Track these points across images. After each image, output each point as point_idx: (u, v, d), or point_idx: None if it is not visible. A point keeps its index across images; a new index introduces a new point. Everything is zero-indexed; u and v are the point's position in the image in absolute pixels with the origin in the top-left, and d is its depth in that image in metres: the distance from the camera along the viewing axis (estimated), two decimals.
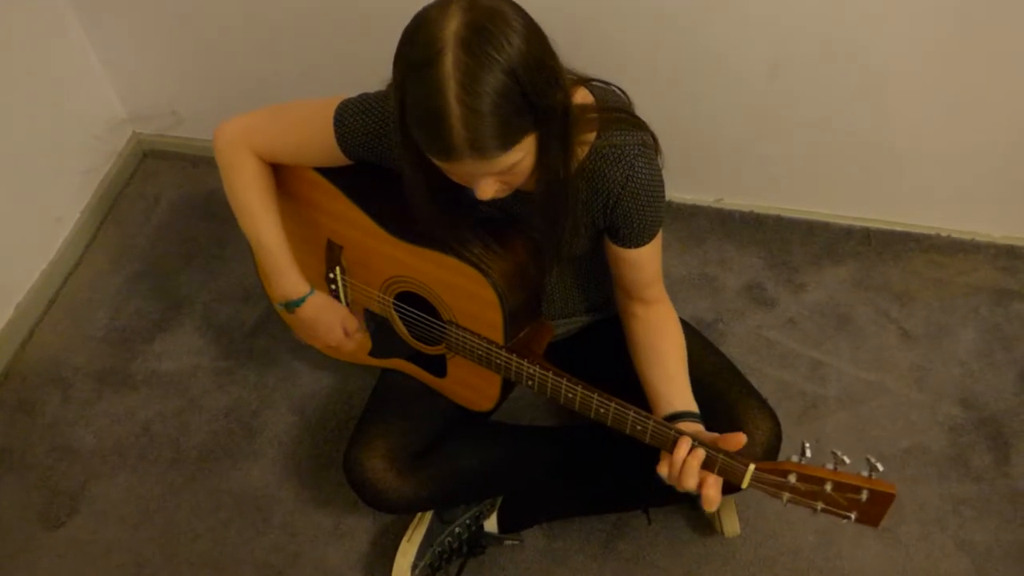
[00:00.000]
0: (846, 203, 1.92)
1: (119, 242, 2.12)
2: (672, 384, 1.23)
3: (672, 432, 1.12)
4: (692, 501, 1.56)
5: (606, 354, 1.37)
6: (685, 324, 1.43)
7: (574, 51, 1.04)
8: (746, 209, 1.98)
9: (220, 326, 1.93)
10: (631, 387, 1.25)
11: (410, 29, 0.94)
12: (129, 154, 2.25)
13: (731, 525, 1.51)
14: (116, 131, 2.22)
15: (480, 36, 0.89)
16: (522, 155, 0.98)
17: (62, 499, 1.70)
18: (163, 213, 2.17)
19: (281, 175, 1.37)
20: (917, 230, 1.91)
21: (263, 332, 1.90)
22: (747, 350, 1.78)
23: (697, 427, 1.16)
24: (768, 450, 1.31)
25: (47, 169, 2.01)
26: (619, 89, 1.19)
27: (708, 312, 1.85)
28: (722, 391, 1.34)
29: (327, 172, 1.33)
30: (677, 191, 2.00)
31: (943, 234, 1.90)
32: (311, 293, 1.36)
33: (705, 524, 1.56)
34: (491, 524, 1.54)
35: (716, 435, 1.12)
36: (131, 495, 1.70)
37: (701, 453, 1.10)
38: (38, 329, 1.96)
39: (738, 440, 1.09)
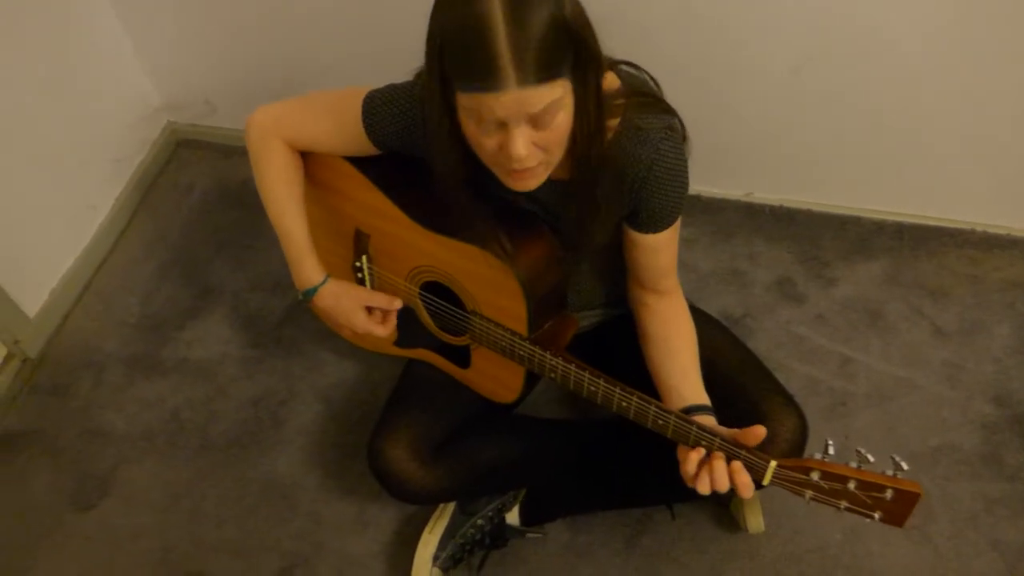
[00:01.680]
0: (878, 197, 1.88)
1: (152, 230, 2.15)
2: (685, 378, 1.22)
3: (694, 429, 1.11)
4: (717, 497, 1.55)
5: (627, 348, 1.36)
6: (710, 319, 1.43)
7: (607, 44, 1.02)
8: (776, 203, 1.96)
9: (249, 315, 1.95)
10: (652, 381, 1.25)
11: None
12: (163, 143, 2.28)
13: (755, 521, 1.50)
14: (150, 120, 2.25)
15: None
16: (560, 94, 0.94)
17: (93, 482, 1.73)
18: (195, 202, 2.19)
19: (311, 164, 1.38)
20: (951, 225, 1.87)
21: (291, 322, 1.91)
22: (775, 346, 1.76)
23: (711, 420, 1.15)
24: (793, 447, 1.30)
25: (82, 157, 2.04)
26: (648, 75, 1.18)
27: (736, 307, 1.83)
28: (747, 387, 1.33)
29: (356, 161, 1.34)
30: (706, 185, 1.98)
31: (978, 229, 1.86)
32: (325, 281, 1.36)
33: (730, 520, 1.55)
34: (513, 517, 1.54)
35: (736, 430, 1.10)
36: (159, 480, 1.72)
37: (722, 456, 1.09)
38: (71, 315, 2.00)
39: (757, 434, 1.07)
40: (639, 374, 1.25)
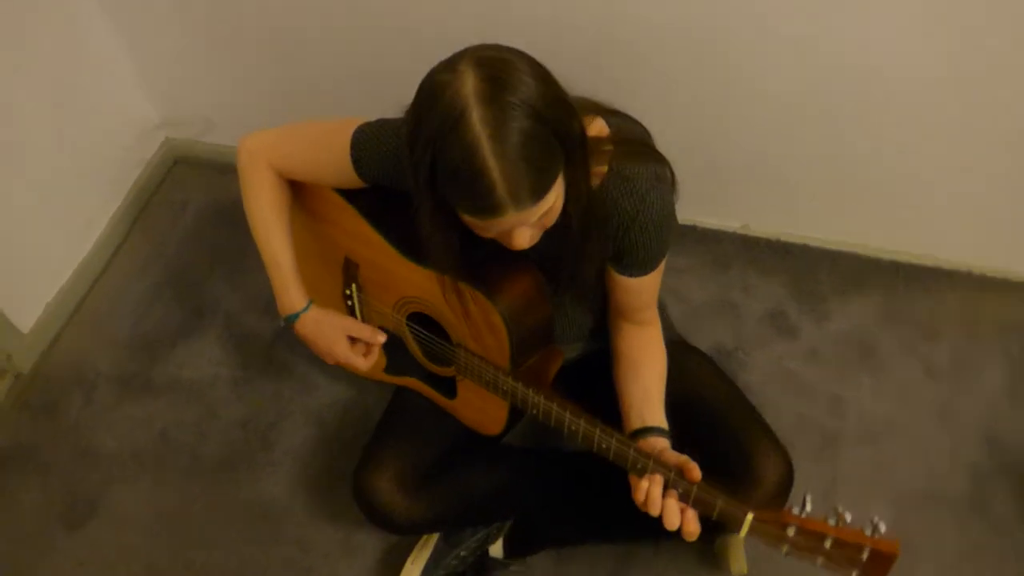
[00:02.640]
0: (875, 234, 1.88)
1: (146, 248, 2.15)
2: (648, 399, 1.22)
3: (672, 475, 1.09)
4: (702, 535, 1.54)
5: (610, 379, 1.36)
6: (700, 354, 1.43)
7: (605, 73, 1.02)
8: (772, 236, 1.95)
9: (241, 336, 1.95)
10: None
11: (424, 97, 0.93)
12: (160, 160, 2.28)
13: (738, 564, 1.49)
14: (148, 137, 2.26)
15: (498, 87, 0.89)
16: (556, 195, 0.98)
17: (82, 502, 1.73)
18: (190, 220, 2.20)
19: (302, 192, 1.39)
20: (948, 266, 1.87)
21: (282, 343, 1.91)
22: (766, 380, 1.76)
23: (664, 444, 1.15)
24: (779, 491, 1.29)
25: (80, 173, 2.05)
26: (637, 121, 1.18)
27: (729, 339, 1.82)
28: (734, 427, 1.32)
29: (345, 192, 1.34)
30: (703, 215, 1.97)
31: (975, 271, 1.85)
32: (307, 308, 1.36)
33: (714, 558, 1.54)
34: (497, 550, 1.54)
35: (683, 459, 1.09)
36: (148, 501, 1.72)
37: (658, 479, 1.08)
38: (65, 331, 2.01)
39: (692, 474, 1.06)
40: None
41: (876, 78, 1.57)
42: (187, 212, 2.21)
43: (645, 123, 1.19)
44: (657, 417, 1.20)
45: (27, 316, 1.93)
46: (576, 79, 1.10)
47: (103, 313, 2.03)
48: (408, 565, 1.52)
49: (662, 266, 1.21)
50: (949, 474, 1.61)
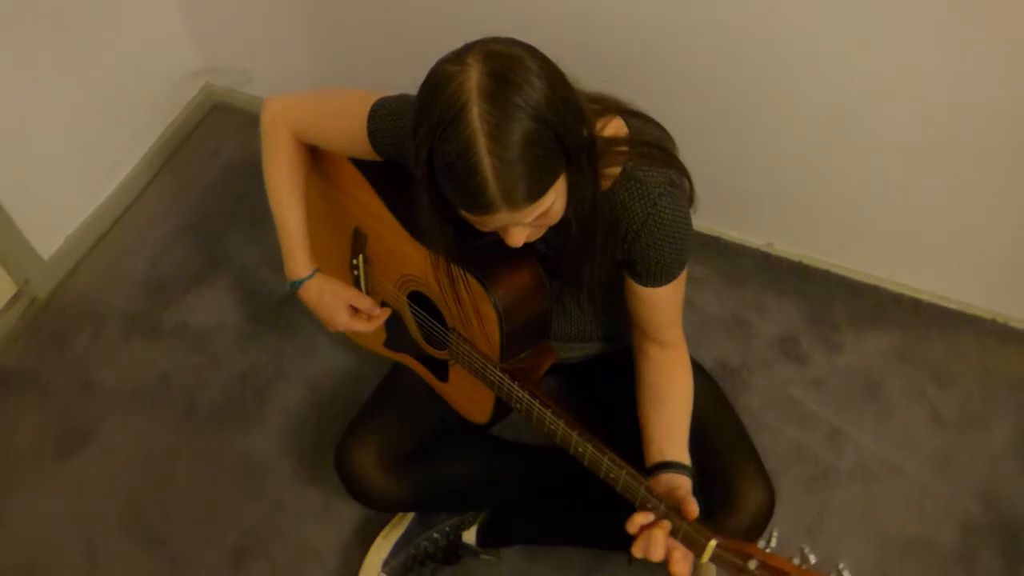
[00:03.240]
0: (900, 269, 1.83)
1: (172, 192, 2.18)
2: (669, 432, 1.19)
3: (642, 489, 1.09)
4: None
5: (614, 386, 1.34)
6: (703, 372, 1.39)
7: (638, 82, 0.99)
8: (795, 258, 1.91)
9: (252, 290, 1.96)
10: (629, 423, 1.22)
11: (429, 87, 0.91)
12: (196, 106, 2.30)
13: None
14: (188, 81, 2.27)
15: (502, 85, 0.87)
16: (554, 198, 0.96)
17: (76, 431, 1.77)
18: (218, 169, 2.21)
19: (321, 160, 1.39)
20: (972, 311, 1.81)
21: (292, 302, 1.92)
22: (767, 404, 1.72)
23: (681, 482, 1.12)
24: (756, 520, 1.26)
25: (116, 109, 2.07)
26: (660, 125, 1.15)
27: (735, 357, 1.79)
28: (721, 451, 1.30)
29: (359, 163, 1.34)
30: (727, 228, 1.94)
31: (999, 320, 1.79)
32: (311, 276, 1.36)
33: None
34: (470, 536, 1.54)
35: (687, 499, 1.07)
36: (139, 439, 1.76)
37: (667, 526, 1.06)
38: (83, 264, 2.04)
39: (689, 511, 1.04)
40: (626, 414, 1.23)
41: (919, 108, 1.52)
42: (217, 161, 2.23)
43: (676, 129, 1.16)
44: (679, 451, 1.16)
45: (49, 244, 1.97)
46: (608, 80, 1.08)
47: (122, 251, 2.06)
48: (379, 540, 1.53)
49: (682, 281, 1.17)
50: (940, 523, 1.57)
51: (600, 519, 1.48)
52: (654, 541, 1.05)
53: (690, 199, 1.13)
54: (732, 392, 1.73)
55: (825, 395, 1.73)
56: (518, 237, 1.01)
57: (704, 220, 1.94)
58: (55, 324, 1.93)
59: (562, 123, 0.90)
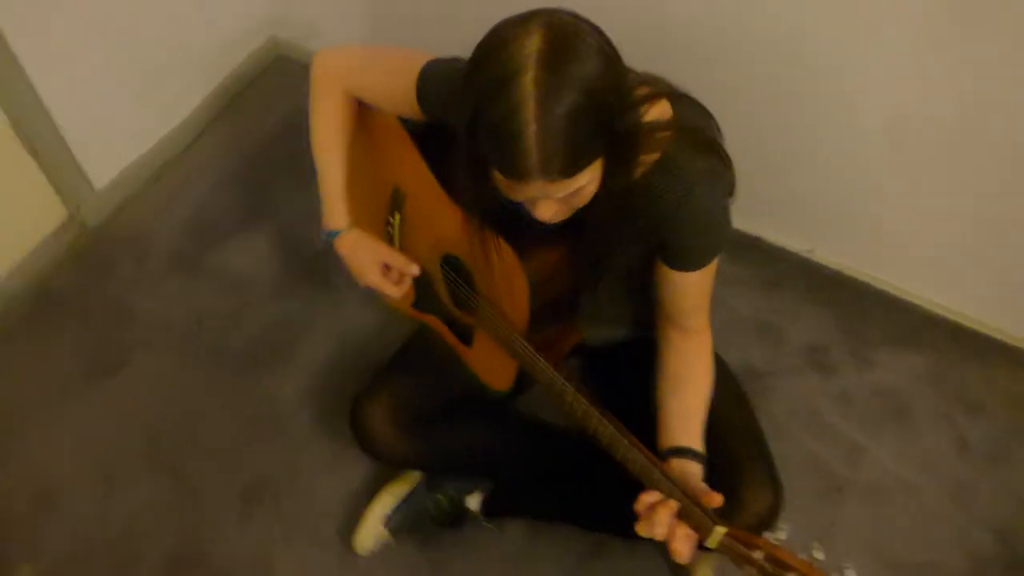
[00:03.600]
0: (944, 290, 1.78)
1: (228, 138, 2.22)
2: (686, 419, 1.18)
3: (657, 472, 1.08)
4: None
5: (641, 377, 1.33)
6: (724, 367, 1.37)
7: (693, 71, 0.98)
8: (835, 267, 1.87)
9: (293, 242, 2.00)
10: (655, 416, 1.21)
11: (487, 45, 0.91)
12: (260, 56, 2.34)
13: None
14: (255, 30, 2.31)
15: (561, 54, 0.87)
16: (588, 178, 0.95)
17: (109, 358, 1.82)
18: (275, 120, 2.25)
19: (368, 116, 1.40)
20: (1013, 342, 1.76)
21: (329, 257, 1.93)
22: (789, 412, 1.70)
23: (694, 468, 1.12)
24: (760, 523, 1.24)
25: (182, 51, 2.11)
26: (708, 113, 1.13)
27: (762, 361, 1.77)
28: (732, 447, 1.28)
29: (406, 122, 1.35)
30: (769, 230, 1.91)
31: None
32: (346, 229, 1.39)
33: (683, 570, 1.52)
34: (474, 503, 1.55)
35: (704, 487, 1.07)
36: (168, 372, 1.81)
37: (673, 505, 1.06)
38: (134, 198, 2.10)
39: (713, 500, 1.04)
40: (640, 403, 1.22)
41: (978, 122, 1.47)
42: (274, 113, 2.26)
43: (727, 122, 1.14)
44: (693, 438, 1.16)
45: (103, 175, 2.03)
46: (662, 66, 1.07)
47: (172, 190, 2.12)
48: (384, 494, 1.56)
49: (712, 269, 1.16)
50: (950, 552, 1.54)
51: (606, 504, 1.49)
52: (658, 519, 1.04)
53: (731, 190, 1.11)
54: (754, 396, 1.68)
55: (850, 410, 1.71)
56: (546, 211, 1.01)
57: (745, 220, 1.91)
58: (100, 253, 1.99)
59: (610, 105, 0.90)
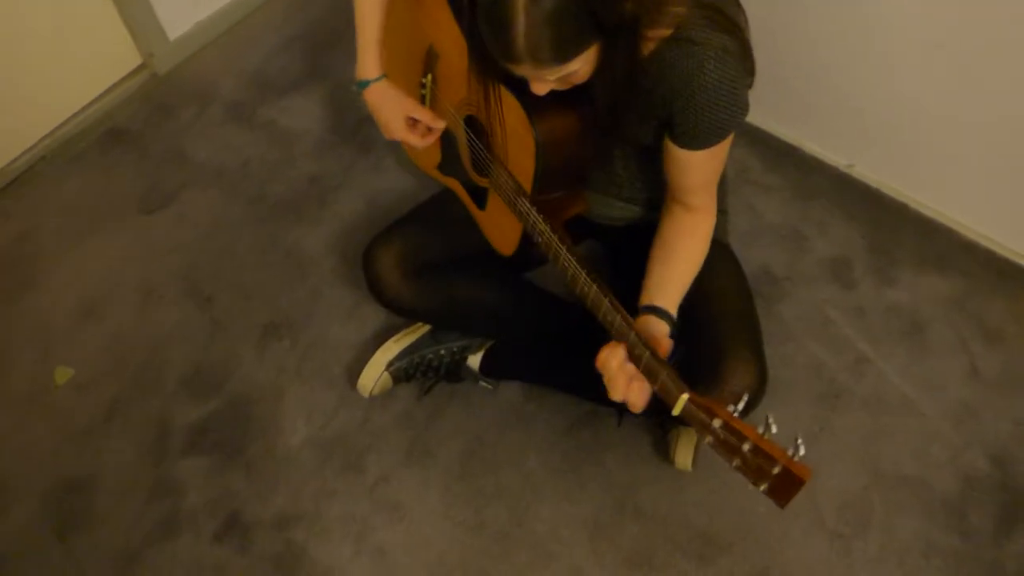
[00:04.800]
0: (982, 217, 1.72)
1: (296, 1, 2.29)
2: (666, 284, 1.20)
3: (632, 334, 1.09)
4: (659, 422, 1.56)
5: (642, 261, 1.34)
6: (729, 253, 1.38)
7: None
8: (873, 184, 1.82)
9: (342, 104, 2.07)
10: None
11: None
12: None
13: (683, 458, 1.49)
14: None
15: None
16: (580, 64, 1.00)
17: (160, 193, 1.95)
18: None
19: None
20: None
21: (372, 124, 2.00)
22: (798, 316, 1.69)
23: (660, 327, 1.13)
24: (735, 399, 1.25)
25: None
26: (738, 4, 1.12)
27: (781, 267, 1.75)
28: (721, 328, 1.28)
29: None
30: (811, 140, 1.86)
31: None
32: (377, 79, 1.42)
33: (666, 449, 1.55)
34: (475, 361, 1.61)
35: (658, 337, 1.09)
36: (210, 211, 1.92)
37: (631, 369, 1.08)
38: (203, 51, 2.21)
39: (660, 345, 1.06)
40: (637, 286, 1.23)
41: None
42: None
43: (775, 18, 1.11)
44: (668, 301, 1.17)
45: (177, 27, 2.14)
46: None
47: (239, 45, 2.21)
48: (390, 342, 1.63)
49: (721, 150, 1.16)
50: (940, 470, 1.52)
51: (595, 372, 1.52)
52: (615, 380, 1.08)
53: (747, 73, 1.10)
54: (768, 299, 1.71)
55: (863, 323, 1.68)
56: (541, 88, 1.07)
57: (786, 127, 1.87)
58: (166, 97, 2.12)
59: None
